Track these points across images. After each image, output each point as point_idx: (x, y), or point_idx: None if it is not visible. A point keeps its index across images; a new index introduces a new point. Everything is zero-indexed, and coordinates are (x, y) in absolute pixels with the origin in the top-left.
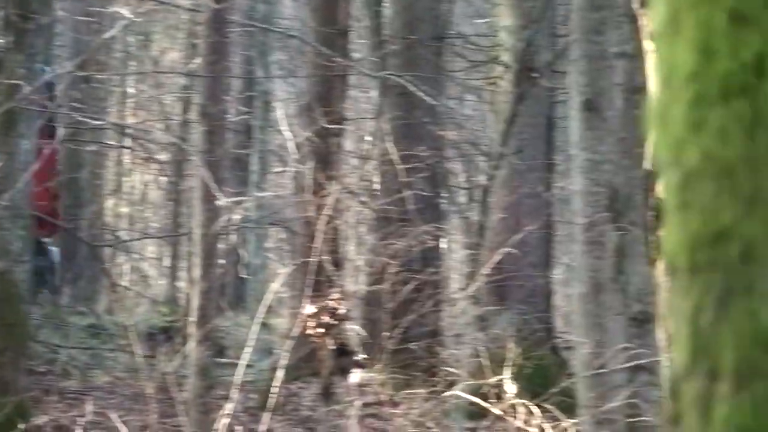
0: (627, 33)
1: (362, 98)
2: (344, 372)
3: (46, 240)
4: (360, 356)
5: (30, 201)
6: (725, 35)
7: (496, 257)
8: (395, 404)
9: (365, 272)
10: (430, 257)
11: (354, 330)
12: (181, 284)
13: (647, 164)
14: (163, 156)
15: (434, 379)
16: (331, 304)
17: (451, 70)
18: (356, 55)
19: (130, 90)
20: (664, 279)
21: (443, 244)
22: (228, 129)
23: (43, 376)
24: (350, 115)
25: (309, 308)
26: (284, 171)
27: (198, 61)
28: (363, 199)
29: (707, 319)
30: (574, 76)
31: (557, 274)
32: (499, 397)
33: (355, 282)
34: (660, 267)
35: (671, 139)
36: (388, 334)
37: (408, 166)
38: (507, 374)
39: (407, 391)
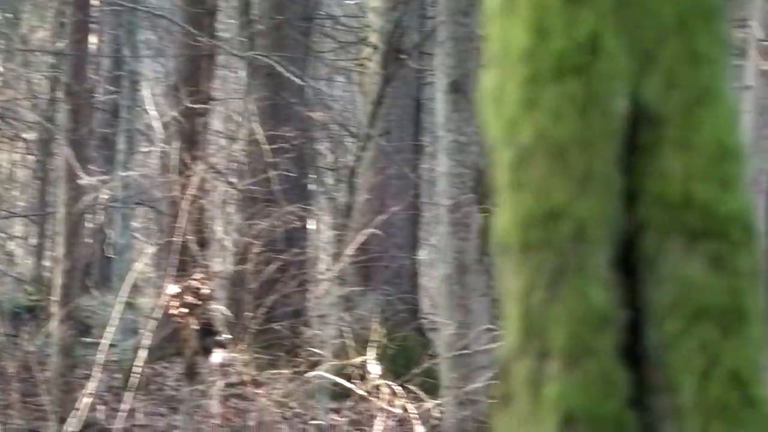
0: None
1: (231, 78)
2: (208, 352)
3: None
4: (223, 336)
5: None
6: (559, 14)
7: (361, 238)
8: (259, 384)
9: (231, 252)
10: (297, 237)
11: (218, 310)
12: (48, 263)
13: None
14: (29, 135)
15: (298, 359)
16: (195, 283)
17: (320, 51)
18: (224, 35)
19: None
20: (497, 258)
21: (311, 224)
22: (94, 108)
23: None
24: (218, 95)
25: (172, 288)
26: (151, 150)
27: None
28: (230, 179)
29: (538, 299)
30: (441, 58)
31: (423, 255)
32: (363, 377)
33: (221, 262)
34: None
35: (505, 117)
36: (251, 314)
37: (275, 146)
38: (371, 355)
39: (271, 372)
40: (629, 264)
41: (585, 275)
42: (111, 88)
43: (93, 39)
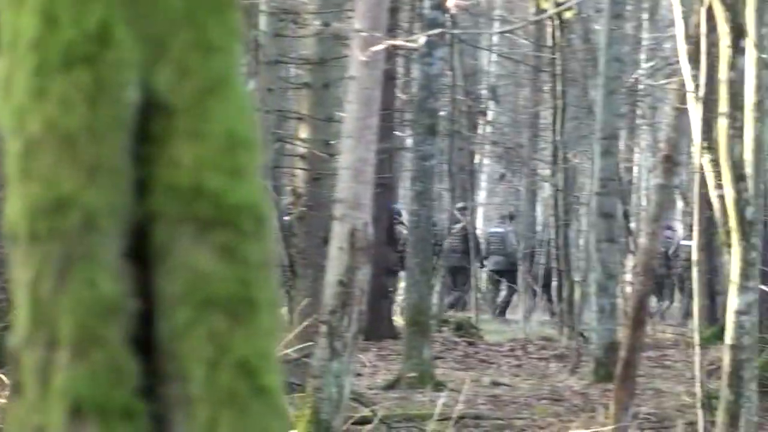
0: None
1: None
2: None
3: None
4: None
5: None
6: (69, 3)
7: None
8: None
9: None
10: None
11: None
12: None
13: None
14: None
15: None
16: None
17: None
18: None
19: None
20: (7, 248)
21: None
22: None
23: None
24: None
25: None
26: None
27: None
28: None
29: (47, 288)
30: None
31: None
32: None
33: None
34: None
35: (14, 106)
36: None
37: None
38: None
39: None
40: (143, 254)
41: (94, 265)
42: None
43: None
